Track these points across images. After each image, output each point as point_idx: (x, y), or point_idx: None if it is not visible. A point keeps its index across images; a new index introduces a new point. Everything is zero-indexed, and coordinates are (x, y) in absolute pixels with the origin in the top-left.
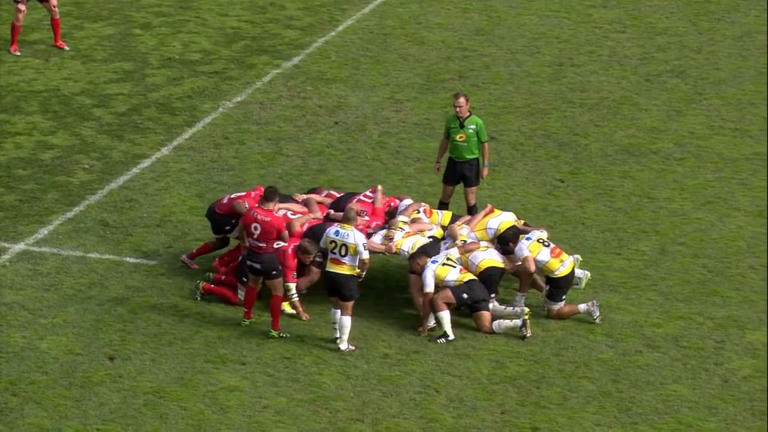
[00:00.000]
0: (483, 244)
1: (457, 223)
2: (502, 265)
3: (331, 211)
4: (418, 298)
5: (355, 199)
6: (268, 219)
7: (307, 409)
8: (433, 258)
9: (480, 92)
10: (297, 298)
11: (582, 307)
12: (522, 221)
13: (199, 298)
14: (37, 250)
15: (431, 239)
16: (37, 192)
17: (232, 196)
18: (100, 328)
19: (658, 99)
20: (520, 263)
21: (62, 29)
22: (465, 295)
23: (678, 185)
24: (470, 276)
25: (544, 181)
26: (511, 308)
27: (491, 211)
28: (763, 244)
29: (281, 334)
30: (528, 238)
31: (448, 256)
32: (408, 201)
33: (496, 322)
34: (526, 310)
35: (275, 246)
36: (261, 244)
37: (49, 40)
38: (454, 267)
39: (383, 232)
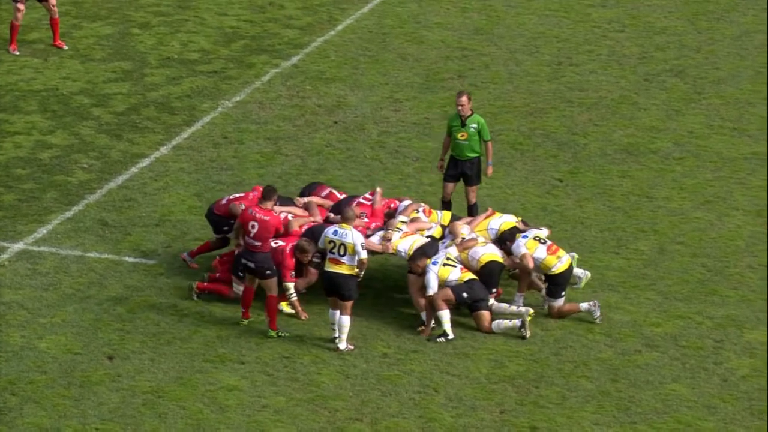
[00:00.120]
0: (481, 240)
1: (459, 222)
2: (502, 260)
3: (331, 215)
4: (418, 298)
5: (355, 202)
6: (267, 218)
7: (306, 408)
8: (434, 259)
9: (479, 92)
10: (296, 298)
11: (583, 306)
12: (520, 219)
13: (195, 298)
14: (36, 250)
15: (429, 239)
16: (36, 191)
17: (231, 197)
18: (99, 328)
19: (657, 98)
20: (518, 260)
21: (61, 29)
22: (465, 294)
23: (677, 185)
24: (470, 275)
25: (543, 180)
26: (515, 308)
27: (492, 214)
28: (761, 243)
29: (280, 333)
30: (524, 236)
31: (448, 255)
32: (407, 202)
33: (495, 322)
34: (530, 311)
35: (275, 244)
36: (257, 243)
37: (48, 40)
38: (455, 267)
39: (381, 232)
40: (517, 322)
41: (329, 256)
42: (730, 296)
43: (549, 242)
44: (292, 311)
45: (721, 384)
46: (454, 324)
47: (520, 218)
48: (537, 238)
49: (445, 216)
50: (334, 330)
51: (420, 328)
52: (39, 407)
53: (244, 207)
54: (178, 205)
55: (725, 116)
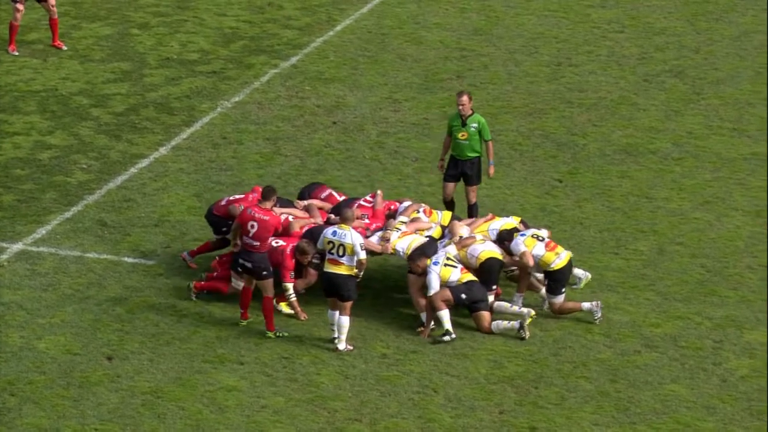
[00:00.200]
0: (479, 237)
1: (458, 222)
2: (501, 257)
3: (332, 216)
4: (418, 298)
5: (356, 204)
6: (267, 218)
7: (306, 408)
8: (435, 259)
9: (478, 92)
10: (295, 298)
11: (585, 305)
12: (520, 220)
13: (194, 298)
14: (35, 250)
15: (429, 238)
16: (35, 192)
17: (231, 198)
18: (98, 328)
19: (657, 99)
20: (518, 258)
21: (60, 29)
22: (463, 296)
23: (676, 185)
24: (470, 276)
25: (543, 181)
26: (517, 308)
27: (492, 219)
28: (760, 243)
29: (278, 334)
30: (522, 235)
31: (448, 255)
32: (408, 203)
33: (494, 323)
34: (532, 313)
35: (275, 244)
36: (255, 243)
37: (47, 40)
38: (455, 267)
39: (380, 233)
40: (515, 323)
41: (328, 256)
42: (729, 297)
43: (547, 239)
44: (292, 312)
45: (720, 384)
46: (454, 324)
47: (520, 219)
48: (535, 236)
49: (446, 216)
50: (333, 330)
51: (419, 329)
52: (38, 408)
53: (243, 208)
54: (177, 206)
55: (724, 117)
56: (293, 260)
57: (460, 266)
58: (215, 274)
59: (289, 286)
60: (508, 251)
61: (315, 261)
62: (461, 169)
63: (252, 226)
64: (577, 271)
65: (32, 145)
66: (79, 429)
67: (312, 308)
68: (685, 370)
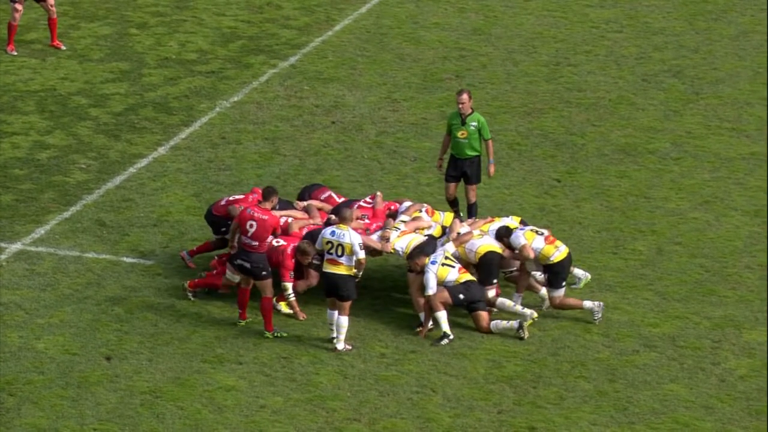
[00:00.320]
0: (476, 232)
1: (459, 221)
2: (500, 251)
3: (332, 217)
4: (417, 297)
5: (356, 205)
6: (266, 218)
7: (304, 408)
8: (432, 258)
9: (477, 92)
10: (294, 298)
11: (587, 304)
12: (519, 220)
13: (191, 298)
14: (34, 250)
15: (428, 237)
16: (33, 192)
17: (230, 198)
18: (97, 328)
19: (655, 99)
20: (518, 252)
21: (59, 29)
22: (461, 296)
23: (675, 185)
24: (468, 276)
25: (541, 180)
26: (520, 308)
27: (492, 221)
28: (759, 243)
29: (276, 334)
30: (522, 229)
31: (446, 254)
32: (408, 203)
33: (493, 322)
34: (535, 315)
35: (276, 243)
36: (254, 243)
37: (46, 40)
38: (453, 267)
39: (380, 232)
40: (515, 322)
41: (327, 256)
42: (728, 296)
43: (546, 233)
44: (290, 311)
45: (719, 384)
46: (452, 324)
47: (519, 219)
48: (534, 230)
49: (447, 217)
50: (332, 330)
51: (418, 329)
52: (37, 408)
53: (242, 208)
54: (176, 206)
55: (723, 116)
56: (293, 260)
57: (458, 266)
58: (215, 272)
59: (289, 285)
60: (508, 246)
61: (316, 262)
62: (461, 168)
63: (251, 226)
64: (577, 271)
65: (31, 145)
66: (78, 429)
67: (311, 308)
68: (684, 369)
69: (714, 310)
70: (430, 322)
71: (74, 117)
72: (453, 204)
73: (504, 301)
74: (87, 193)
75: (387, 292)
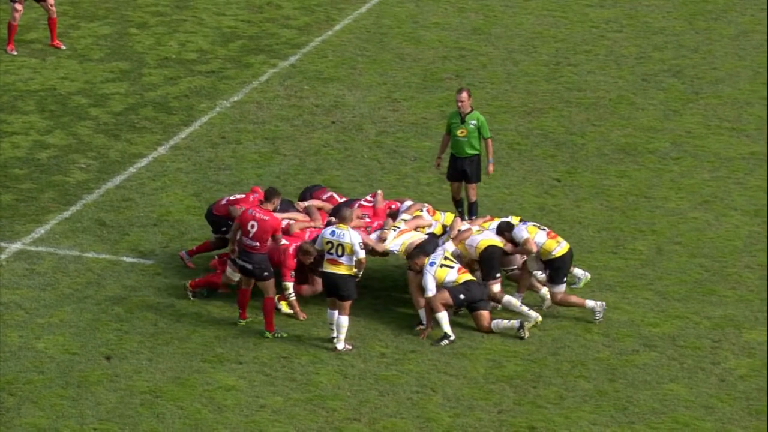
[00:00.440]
0: (476, 228)
1: (459, 219)
2: (501, 245)
3: (333, 218)
4: (417, 297)
5: (356, 205)
6: (267, 218)
7: (304, 408)
8: (431, 259)
9: (477, 91)
10: (294, 298)
11: (589, 303)
12: (518, 219)
13: (192, 298)
14: (34, 250)
15: (429, 235)
16: (33, 191)
17: (231, 198)
18: (97, 328)
19: (655, 98)
20: (520, 246)
21: (59, 28)
22: (462, 296)
23: (675, 185)
24: (468, 276)
25: (541, 180)
26: (526, 309)
27: (491, 220)
28: (759, 243)
29: (276, 335)
30: (524, 223)
31: (446, 254)
32: (409, 202)
33: (494, 322)
34: (539, 318)
35: (279, 243)
36: (255, 244)
37: (46, 40)
38: (452, 267)
39: (378, 232)
40: (515, 322)
41: (327, 256)
42: (728, 296)
43: (548, 229)
44: (291, 311)
45: (719, 384)
46: (453, 324)
47: (519, 219)
48: (536, 225)
49: (448, 217)
50: (332, 330)
51: (418, 328)
52: (37, 407)
53: (243, 209)
54: (176, 205)
55: (723, 116)
56: (295, 260)
57: (457, 266)
58: (217, 272)
59: (290, 285)
60: (510, 241)
61: (320, 269)
62: (461, 166)
63: (252, 226)
64: (577, 271)
65: (31, 144)
66: (78, 429)
67: (311, 308)
68: (684, 369)
69: (714, 310)
70: (429, 328)
71: (74, 117)
72: (458, 204)
73: (510, 300)
74: (87, 192)
75: (387, 292)
